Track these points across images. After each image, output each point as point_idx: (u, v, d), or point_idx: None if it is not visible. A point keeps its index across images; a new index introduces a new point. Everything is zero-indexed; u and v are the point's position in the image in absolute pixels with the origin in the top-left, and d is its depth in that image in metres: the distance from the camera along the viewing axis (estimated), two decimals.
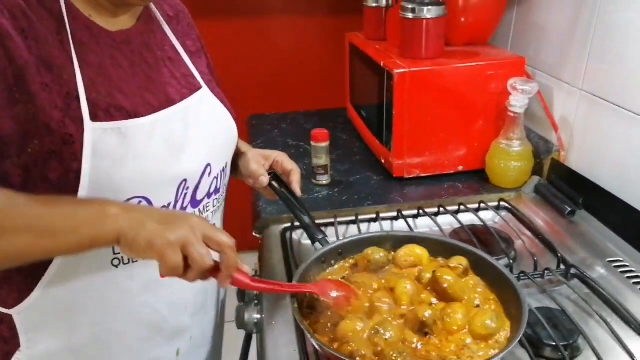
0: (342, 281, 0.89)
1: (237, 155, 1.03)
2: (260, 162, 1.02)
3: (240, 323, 0.97)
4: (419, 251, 0.95)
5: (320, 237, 0.97)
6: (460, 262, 0.90)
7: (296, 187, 1.01)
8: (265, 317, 0.94)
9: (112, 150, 0.72)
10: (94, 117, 0.71)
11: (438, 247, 0.96)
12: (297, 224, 1.20)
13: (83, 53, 0.73)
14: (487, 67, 1.32)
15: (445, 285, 0.84)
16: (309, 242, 1.13)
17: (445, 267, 0.89)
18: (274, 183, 1.02)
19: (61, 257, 0.74)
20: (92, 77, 0.72)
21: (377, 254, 0.94)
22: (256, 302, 1.00)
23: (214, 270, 0.70)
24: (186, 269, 0.67)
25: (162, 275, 0.68)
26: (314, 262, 0.92)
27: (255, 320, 0.96)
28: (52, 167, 0.69)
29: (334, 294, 0.85)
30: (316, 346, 0.76)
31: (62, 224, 0.65)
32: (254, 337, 1.01)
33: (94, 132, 0.70)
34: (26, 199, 0.64)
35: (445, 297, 0.85)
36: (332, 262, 0.96)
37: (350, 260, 0.97)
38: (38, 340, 0.79)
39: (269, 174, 1.02)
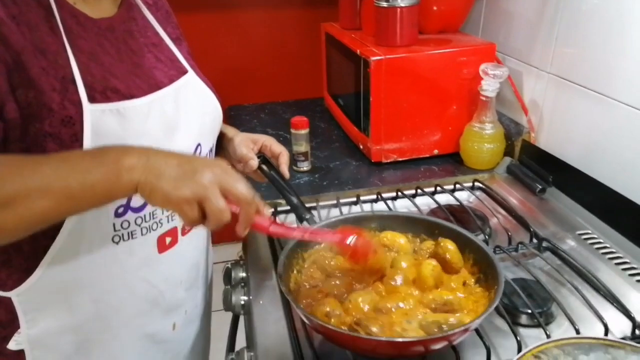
0: (363, 233, 0.86)
1: (226, 140, 1.05)
2: (249, 145, 1.04)
3: (228, 305, 0.99)
4: (402, 240, 0.95)
5: (308, 216, 0.98)
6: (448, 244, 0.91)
7: (285, 169, 1.04)
8: (253, 297, 0.97)
9: (112, 130, 0.73)
10: (92, 99, 0.72)
11: (420, 226, 0.97)
12: (281, 208, 1.23)
13: (74, 39, 0.74)
14: (459, 54, 1.36)
15: (447, 256, 0.87)
16: (293, 225, 1.17)
17: (445, 239, 0.91)
18: (263, 166, 1.04)
19: (64, 236, 0.75)
20: (85, 62, 0.74)
21: None
22: (242, 284, 1.03)
23: (233, 220, 0.69)
24: (205, 219, 0.67)
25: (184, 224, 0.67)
26: (297, 243, 0.93)
27: (242, 302, 0.98)
28: (51, 149, 0.70)
29: (351, 241, 0.83)
30: (302, 317, 0.78)
31: (77, 184, 0.63)
32: (241, 319, 1.03)
33: (92, 114, 0.71)
34: (34, 160, 0.63)
35: (445, 267, 0.87)
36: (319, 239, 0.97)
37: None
38: (38, 320, 0.79)
39: (258, 157, 1.04)
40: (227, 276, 1.08)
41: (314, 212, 1.14)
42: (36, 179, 0.62)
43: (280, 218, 1.22)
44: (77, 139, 0.70)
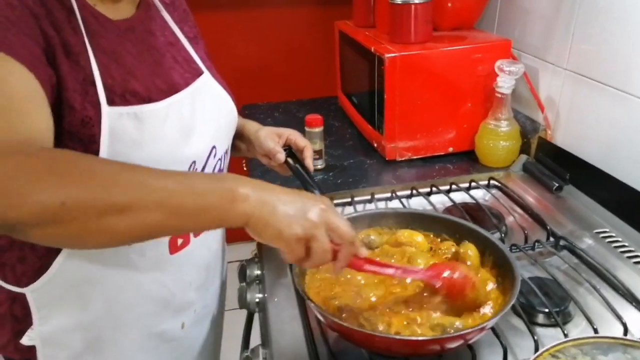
0: (459, 267, 0.81)
1: (251, 134, 1.06)
2: (275, 139, 1.05)
3: (243, 303, 0.99)
4: (419, 238, 0.94)
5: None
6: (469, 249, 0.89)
7: (309, 162, 1.04)
8: (268, 295, 0.97)
9: (129, 134, 0.74)
10: (111, 102, 0.72)
11: (440, 225, 0.96)
12: None
13: (95, 40, 0.74)
14: (474, 50, 1.35)
15: (468, 262, 0.86)
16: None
17: (467, 244, 0.90)
18: (289, 159, 1.04)
19: None
20: (105, 64, 0.74)
21: (372, 235, 0.96)
22: (257, 281, 1.03)
23: (332, 258, 0.69)
24: (307, 257, 0.67)
25: (284, 261, 0.68)
26: None
27: (257, 300, 0.98)
28: (70, 148, 0.70)
29: (447, 274, 0.78)
30: (317, 314, 0.78)
31: (192, 205, 0.61)
32: (256, 317, 1.03)
33: (110, 117, 0.72)
34: (157, 172, 0.63)
35: None
36: None
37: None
38: (51, 316, 0.80)
39: (284, 150, 1.05)
40: (242, 274, 1.08)
41: None
42: (157, 191, 0.60)
43: None
44: (94, 140, 0.71)
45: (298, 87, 2.20)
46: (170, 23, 0.91)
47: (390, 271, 0.77)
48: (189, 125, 0.84)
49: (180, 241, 0.87)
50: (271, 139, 1.05)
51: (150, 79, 0.80)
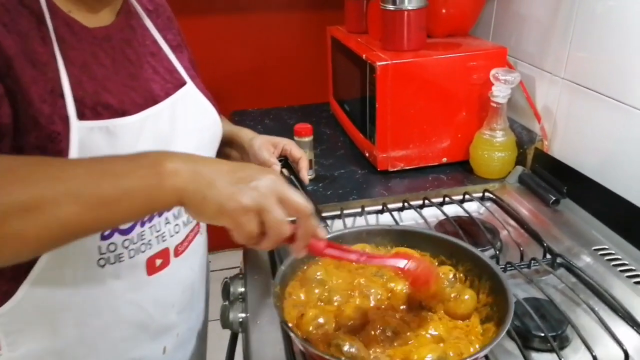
0: (423, 258, 0.82)
1: (245, 143, 1.03)
2: (270, 150, 1.01)
3: (225, 323, 0.95)
4: None
5: (322, 225, 0.95)
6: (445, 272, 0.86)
7: (304, 174, 1.02)
8: (250, 316, 0.92)
9: (100, 149, 0.70)
10: (81, 116, 0.68)
11: (440, 247, 0.91)
12: None
13: (66, 50, 0.70)
14: (469, 58, 1.31)
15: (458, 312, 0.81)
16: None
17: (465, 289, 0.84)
18: (283, 170, 1.02)
19: (46, 258, 0.70)
20: (77, 75, 0.70)
21: (367, 250, 0.91)
22: (241, 299, 0.98)
23: (289, 238, 0.62)
24: (261, 235, 0.60)
25: (236, 242, 0.61)
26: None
27: (240, 320, 0.94)
28: None
29: (403, 264, 0.75)
30: (300, 346, 0.74)
31: (112, 190, 0.55)
32: (240, 336, 0.99)
33: (80, 131, 0.68)
34: (61, 161, 0.57)
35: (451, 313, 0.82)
36: None
37: None
38: (20, 342, 0.76)
39: (279, 161, 1.02)
40: (226, 291, 1.03)
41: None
42: (64, 181, 0.54)
43: None
44: (62, 156, 0.67)
45: (289, 93, 2.16)
46: (152, 31, 0.87)
47: (353, 256, 0.72)
48: (168, 139, 0.80)
49: (159, 262, 0.83)
50: (266, 149, 1.01)
51: (124, 91, 0.76)
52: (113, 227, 0.65)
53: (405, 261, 0.75)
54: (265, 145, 1.02)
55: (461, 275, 0.86)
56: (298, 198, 0.61)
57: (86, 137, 0.68)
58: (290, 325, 0.76)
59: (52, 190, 0.53)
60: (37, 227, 0.52)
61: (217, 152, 1.07)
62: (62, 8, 0.72)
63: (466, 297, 0.81)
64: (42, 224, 0.53)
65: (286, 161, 1.03)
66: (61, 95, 0.67)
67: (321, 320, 0.77)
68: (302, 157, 1.03)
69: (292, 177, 1.02)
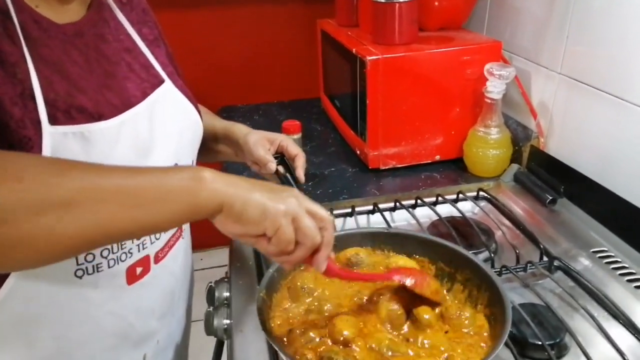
0: (421, 273, 0.81)
1: (239, 139, 0.99)
2: (265, 146, 0.98)
3: (210, 329, 0.91)
4: None
5: None
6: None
7: (300, 172, 0.98)
8: (234, 324, 0.88)
9: (75, 156, 0.65)
10: (53, 120, 0.64)
11: (438, 252, 0.88)
12: None
13: (36, 48, 0.65)
14: (462, 52, 1.27)
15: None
16: None
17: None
18: (279, 168, 0.98)
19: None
20: (48, 76, 0.65)
21: (361, 254, 0.88)
22: (226, 304, 0.94)
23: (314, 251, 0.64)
24: (295, 244, 0.62)
25: (269, 254, 0.63)
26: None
27: (225, 326, 0.90)
28: None
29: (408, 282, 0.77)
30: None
31: (152, 191, 0.54)
32: (226, 343, 0.95)
33: (52, 137, 0.63)
34: (105, 166, 0.55)
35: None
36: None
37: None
38: None
39: (275, 158, 0.98)
40: (210, 296, 0.99)
41: None
42: (103, 177, 0.53)
43: None
44: None
45: (279, 88, 2.12)
46: (126, 26, 0.82)
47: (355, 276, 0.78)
48: (147, 142, 0.75)
49: (139, 270, 0.79)
50: (262, 145, 0.97)
51: (100, 92, 0.71)
52: (147, 233, 0.62)
53: (408, 279, 0.77)
54: (261, 142, 0.98)
55: (459, 285, 0.83)
56: (321, 209, 0.64)
57: (59, 143, 0.64)
58: (273, 336, 0.72)
59: (91, 186, 0.51)
60: (72, 224, 0.50)
61: (209, 149, 1.03)
62: (29, 3, 0.67)
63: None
64: (78, 221, 0.51)
65: (282, 158, 1.00)
66: (32, 98, 0.63)
67: (312, 334, 0.73)
68: (299, 154, 0.99)
69: (287, 175, 0.98)
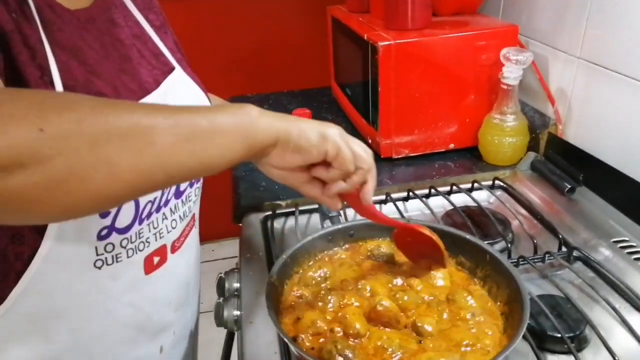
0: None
1: None
2: None
3: (220, 321, 0.90)
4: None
5: (333, 214, 0.91)
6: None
7: None
8: (244, 315, 0.87)
9: None
10: None
11: (458, 245, 0.85)
12: (279, 211, 1.14)
13: (52, 33, 0.64)
14: (477, 37, 1.24)
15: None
16: (291, 230, 1.07)
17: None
18: None
19: (39, 261, 0.65)
20: (65, 61, 0.64)
21: (382, 247, 0.87)
22: (236, 295, 0.93)
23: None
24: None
25: (331, 179, 0.65)
26: (320, 238, 0.85)
27: (235, 317, 0.89)
28: None
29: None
30: (295, 352, 0.68)
31: (206, 124, 0.53)
32: (236, 334, 0.93)
33: None
34: (149, 104, 0.57)
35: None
36: (341, 243, 0.88)
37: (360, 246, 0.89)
38: (11, 349, 0.72)
39: None
40: (220, 287, 0.98)
41: (315, 215, 1.08)
42: (158, 110, 0.52)
43: (278, 222, 1.12)
44: None
45: (289, 78, 2.09)
46: (133, 11, 0.80)
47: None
48: None
49: (156, 259, 0.78)
50: None
51: (117, 76, 0.70)
52: (205, 170, 0.57)
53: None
54: None
55: (480, 281, 0.81)
56: (362, 146, 0.67)
57: None
58: (282, 328, 0.70)
59: (147, 117, 0.50)
60: (130, 157, 0.48)
61: None
62: None
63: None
64: (137, 154, 0.48)
65: None
66: (51, 84, 0.61)
67: (319, 324, 0.71)
68: None
69: None
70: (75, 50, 0.66)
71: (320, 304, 0.76)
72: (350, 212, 1.12)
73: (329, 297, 0.76)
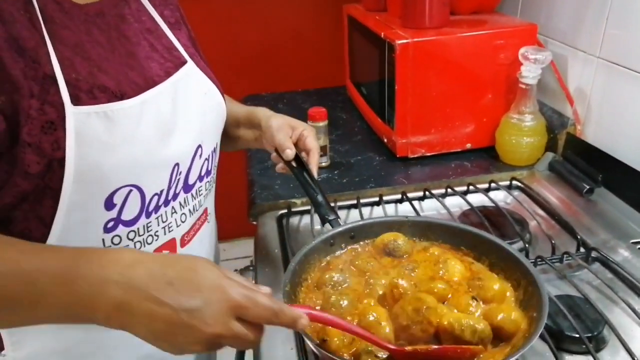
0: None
1: (262, 123, 0.96)
2: (287, 132, 0.93)
3: None
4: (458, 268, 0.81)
5: (332, 217, 0.88)
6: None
7: (314, 168, 0.93)
8: None
9: (98, 136, 0.65)
10: (76, 101, 0.64)
11: (460, 237, 0.86)
12: (294, 209, 1.14)
13: (56, 30, 0.65)
14: (495, 36, 1.23)
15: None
16: (307, 228, 1.07)
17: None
18: (294, 160, 0.93)
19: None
20: (69, 57, 0.65)
21: (398, 239, 0.86)
22: None
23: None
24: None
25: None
26: (322, 243, 0.84)
27: None
28: (30, 161, 0.62)
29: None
30: (312, 348, 0.69)
31: (27, 302, 0.56)
32: None
33: (76, 117, 0.63)
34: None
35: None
36: (342, 245, 0.88)
37: (365, 246, 0.88)
38: (24, 342, 0.73)
39: None
40: None
41: None
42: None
43: (294, 220, 1.12)
44: (59, 146, 0.62)
45: (304, 77, 2.09)
46: (147, 7, 0.81)
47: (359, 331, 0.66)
48: (170, 123, 0.74)
49: (166, 253, 0.78)
50: (284, 132, 0.93)
51: (122, 71, 0.71)
52: (18, 325, 0.64)
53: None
54: (284, 128, 0.94)
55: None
56: (256, 307, 0.56)
57: (82, 124, 0.64)
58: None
59: None
60: None
61: (229, 136, 1.01)
62: None
63: None
64: None
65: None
66: (54, 81, 0.63)
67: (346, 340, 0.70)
68: (313, 149, 0.94)
69: (299, 167, 0.93)
70: (79, 46, 0.67)
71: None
72: (353, 214, 1.12)
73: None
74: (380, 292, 0.77)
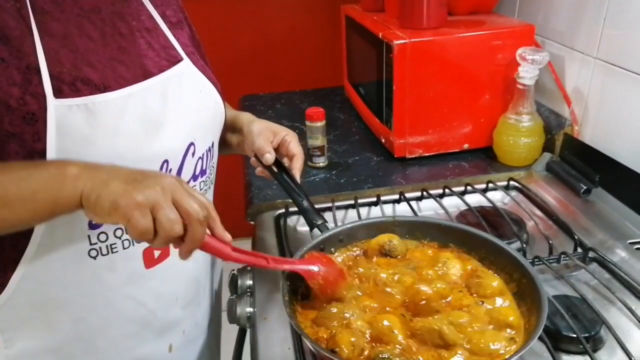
0: (331, 258, 0.81)
1: (244, 127, 0.95)
2: (268, 137, 0.92)
3: (232, 317, 0.90)
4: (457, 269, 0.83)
5: (320, 222, 0.88)
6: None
7: (297, 173, 0.92)
8: (257, 311, 0.87)
9: (80, 128, 0.65)
10: (58, 93, 0.64)
11: (448, 234, 0.87)
12: (292, 209, 1.13)
13: (45, 22, 0.66)
14: (493, 37, 1.23)
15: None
16: (305, 228, 1.07)
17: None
18: (274, 164, 0.92)
19: (34, 248, 0.68)
20: (55, 49, 0.65)
21: (394, 240, 0.86)
22: (249, 293, 0.93)
23: (180, 240, 0.62)
24: (155, 233, 0.60)
25: (132, 238, 0.64)
26: (312, 249, 0.84)
27: (248, 314, 0.89)
28: (11, 151, 0.63)
29: (316, 268, 0.77)
30: (311, 348, 0.69)
31: (15, 190, 0.59)
32: (249, 331, 0.94)
33: (57, 110, 0.64)
34: None
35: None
36: (332, 249, 0.88)
37: (355, 249, 0.89)
38: (16, 339, 0.74)
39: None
40: (233, 284, 0.98)
41: (329, 214, 1.07)
42: None
43: (291, 220, 1.12)
44: (39, 138, 0.63)
45: (302, 77, 2.09)
46: (148, 6, 0.81)
47: (260, 261, 0.73)
48: (158, 118, 0.74)
49: (157, 253, 0.78)
50: (264, 136, 0.91)
51: (110, 65, 0.71)
52: (17, 228, 0.65)
53: (317, 267, 0.77)
54: (265, 133, 0.92)
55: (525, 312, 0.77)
56: (190, 201, 0.60)
57: (64, 116, 0.64)
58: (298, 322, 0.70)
59: None
60: None
61: (220, 140, 1.00)
62: None
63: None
64: None
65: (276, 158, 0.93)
66: (37, 71, 0.63)
67: (354, 339, 0.70)
68: (297, 155, 0.92)
69: (281, 172, 0.92)
70: (67, 39, 0.67)
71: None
72: (351, 214, 1.12)
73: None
74: (398, 297, 0.77)
